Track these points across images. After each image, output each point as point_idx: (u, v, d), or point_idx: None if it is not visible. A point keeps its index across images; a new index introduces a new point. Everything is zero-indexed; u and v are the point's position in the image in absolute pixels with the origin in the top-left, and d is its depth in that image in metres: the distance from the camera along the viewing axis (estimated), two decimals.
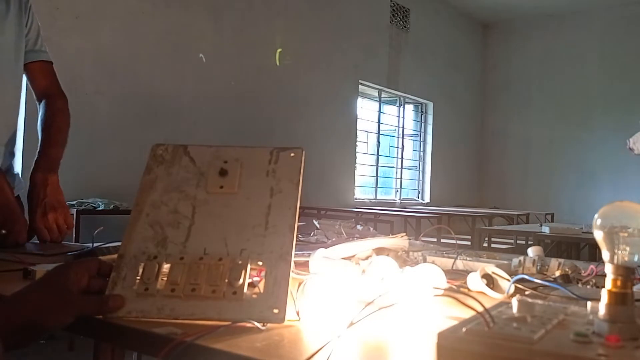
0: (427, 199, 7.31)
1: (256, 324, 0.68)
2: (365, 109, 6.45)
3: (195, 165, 0.88)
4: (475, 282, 0.91)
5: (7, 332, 0.65)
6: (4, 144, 1.51)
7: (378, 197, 6.66)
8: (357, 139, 6.22)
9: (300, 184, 0.84)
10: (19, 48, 1.55)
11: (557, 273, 1.06)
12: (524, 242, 4.59)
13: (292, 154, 0.88)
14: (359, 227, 1.67)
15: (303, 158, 0.87)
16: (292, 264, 0.77)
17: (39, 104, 1.61)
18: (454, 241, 1.47)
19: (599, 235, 0.58)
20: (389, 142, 7.01)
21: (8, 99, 1.52)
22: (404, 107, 7.10)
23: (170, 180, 0.87)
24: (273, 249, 0.77)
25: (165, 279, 0.75)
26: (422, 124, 7.37)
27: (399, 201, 6.91)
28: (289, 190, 0.84)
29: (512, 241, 4.93)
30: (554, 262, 1.11)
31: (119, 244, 0.88)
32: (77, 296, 0.72)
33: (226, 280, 0.73)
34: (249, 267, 0.75)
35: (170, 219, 0.82)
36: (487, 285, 0.90)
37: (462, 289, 0.91)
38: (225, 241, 0.79)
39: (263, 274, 0.75)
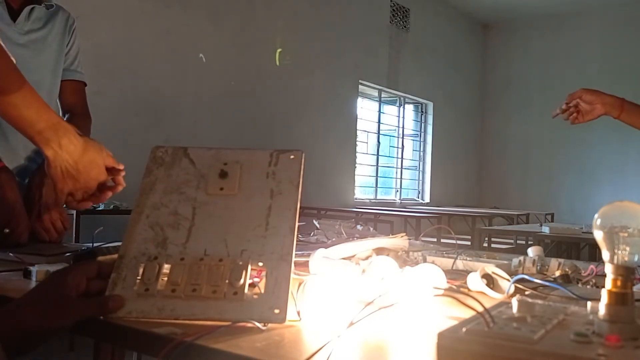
0: (427, 199, 7.31)
1: (257, 324, 0.68)
2: (365, 109, 6.45)
3: (195, 167, 0.88)
4: (475, 282, 0.91)
5: (8, 338, 0.66)
6: (34, 148, 1.57)
7: (378, 197, 6.66)
8: (357, 139, 6.22)
9: (300, 185, 0.84)
10: (58, 65, 1.64)
11: (557, 273, 1.06)
12: (524, 242, 4.59)
13: (292, 156, 0.88)
14: (359, 227, 1.67)
15: (303, 160, 0.87)
16: (293, 264, 0.77)
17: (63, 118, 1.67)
18: (454, 241, 1.47)
19: (599, 235, 0.58)
20: (389, 142, 7.01)
21: None
22: (404, 107, 7.09)
23: (170, 182, 0.87)
24: (273, 249, 0.77)
25: (165, 279, 0.75)
26: (422, 124, 7.37)
27: (399, 201, 6.91)
28: (289, 191, 0.84)
29: (512, 241, 4.93)
30: (554, 262, 1.11)
31: (119, 244, 0.88)
32: (75, 301, 0.72)
33: (227, 281, 0.73)
34: (249, 267, 0.75)
35: (170, 221, 0.82)
36: (487, 285, 0.90)
37: (462, 289, 0.91)
38: (226, 242, 0.79)
39: (263, 274, 0.75)
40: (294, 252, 0.78)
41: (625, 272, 0.56)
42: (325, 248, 1.06)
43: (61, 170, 1.01)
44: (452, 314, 0.76)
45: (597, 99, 1.64)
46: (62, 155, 0.99)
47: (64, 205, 1.11)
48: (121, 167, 1.11)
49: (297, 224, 0.81)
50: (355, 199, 6.20)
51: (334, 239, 1.51)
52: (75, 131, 1.03)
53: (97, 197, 1.09)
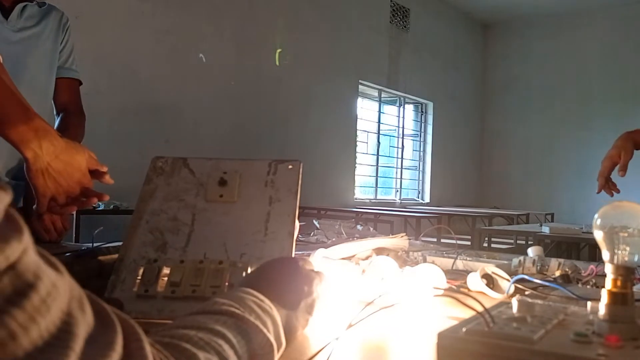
0: (427, 199, 7.31)
1: None
2: (365, 109, 6.45)
3: (195, 176, 0.89)
4: (475, 282, 0.91)
5: None
6: None
7: (378, 197, 6.66)
8: (357, 139, 6.22)
9: (298, 193, 0.86)
10: (52, 63, 1.63)
11: (557, 273, 1.06)
12: (524, 242, 4.58)
13: (290, 166, 0.89)
14: (359, 227, 1.67)
15: (301, 170, 0.88)
16: None
17: (57, 117, 1.67)
18: (454, 241, 1.47)
19: (599, 235, 0.58)
20: (389, 142, 7.01)
21: (34, 107, 1.59)
22: (404, 107, 7.09)
23: (170, 190, 0.88)
24: (273, 253, 0.78)
25: (165, 279, 0.75)
26: (422, 124, 7.37)
27: (399, 201, 6.91)
28: (288, 198, 0.85)
29: (512, 241, 4.93)
30: (554, 262, 1.11)
31: (119, 244, 0.88)
32: None
33: (227, 283, 0.73)
34: (249, 269, 0.75)
35: (170, 226, 0.83)
36: (487, 285, 0.90)
37: (462, 289, 0.91)
38: (225, 247, 0.79)
39: None
40: (293, 255, 0.78)
41: (625, 272, 0.56)
42: (325, 248, 1.06)
43: (42, 173, 0.97)
44: (452, 314, 0.76)
45: (627, 155, 1.68)
46: (42, 157, 0.96)
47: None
48: (105, 168, 1.08)
49: (295, 230, 0.81)
50: (355, 199, 6.19)
51: (334, 239, 1.51)
52: (57, 133, 1.00)
53: (81, 201, 1.05)
